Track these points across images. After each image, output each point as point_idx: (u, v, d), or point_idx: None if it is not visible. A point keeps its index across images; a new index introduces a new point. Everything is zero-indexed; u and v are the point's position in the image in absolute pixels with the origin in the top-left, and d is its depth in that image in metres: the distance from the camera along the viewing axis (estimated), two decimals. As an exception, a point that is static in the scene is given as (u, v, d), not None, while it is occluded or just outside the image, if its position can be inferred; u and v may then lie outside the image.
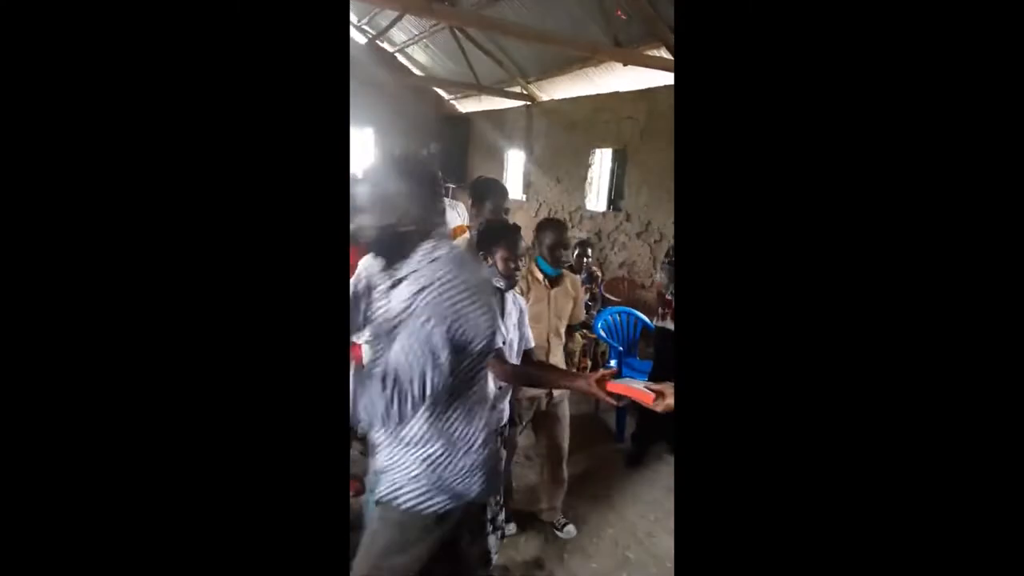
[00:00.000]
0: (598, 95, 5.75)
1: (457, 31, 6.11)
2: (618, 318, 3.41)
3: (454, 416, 1.06)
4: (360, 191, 1.05)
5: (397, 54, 8.00)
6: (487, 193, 2.20)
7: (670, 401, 1.23)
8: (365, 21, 7.29)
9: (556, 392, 2.05)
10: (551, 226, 2.01)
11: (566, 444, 2.19)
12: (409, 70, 8.24)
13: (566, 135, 6.24)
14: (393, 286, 1.05)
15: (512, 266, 1.57)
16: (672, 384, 1.23)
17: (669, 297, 2.68)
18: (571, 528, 2.25)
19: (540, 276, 2.02)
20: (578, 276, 2.48)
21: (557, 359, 2.08)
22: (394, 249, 1.05)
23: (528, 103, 6.82)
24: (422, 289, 0.98)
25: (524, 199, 7.07)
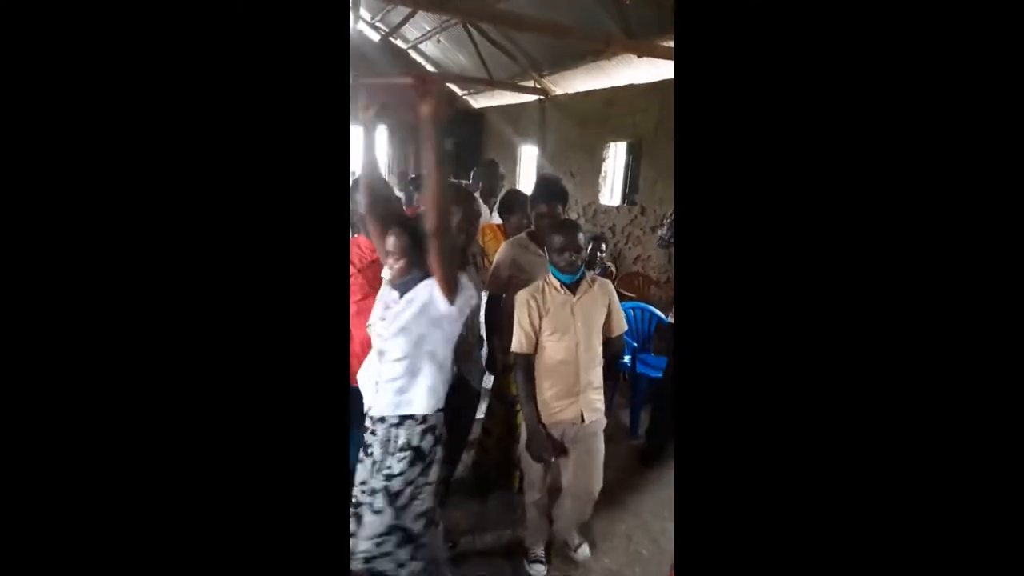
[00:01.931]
0: (612, 88, 5.69)
1: (469, 26, 6.09)
2: (632, 313, 3.38)
3: None
4: None
5: (410, 51, 8.02)
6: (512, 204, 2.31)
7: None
8: (378, 18, 7.31)
9: (588, 418, 1.79)
10: (557, 228, 1.80)
11: (597, 485, 1.85)
12: (422, 66, 8.25)
13: (580, 129, 6.19)
14: None
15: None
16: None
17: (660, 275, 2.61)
18: (585, 549, 2.06)
19: (557, 283, 1.79)
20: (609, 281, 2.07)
21: (592, 378, 1.81)
22: None
23: (541, 97, 6.78)
24: None
25: (538, 194, 7.04)
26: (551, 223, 2.00)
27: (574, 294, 1.80)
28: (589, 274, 1.87)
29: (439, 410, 1.52)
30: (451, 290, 1.43)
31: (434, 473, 1.50)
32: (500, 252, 2.17)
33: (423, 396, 1.48)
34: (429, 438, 1.49)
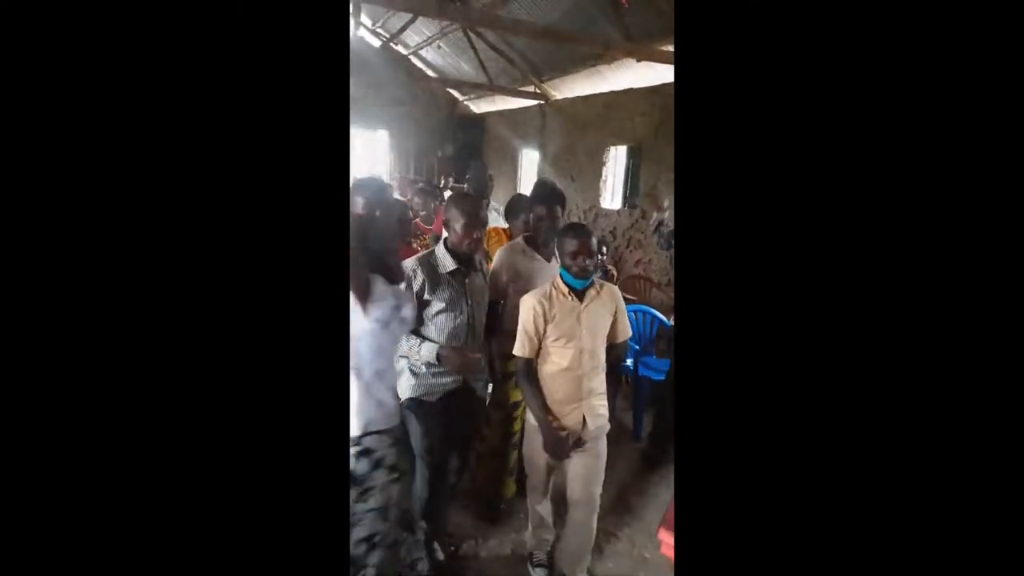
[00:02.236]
0: (612, 92, 5.71)
1: (469, 32, 6.12)
2: (634, 316, 3.38)
3: None
4: None
5: (411, 56, 8.05)
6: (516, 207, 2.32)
7: None
8: (379, 24, 7.35)
9: (591, 423, 1.76)
10: (570, 232, 1.74)
11: (599, 490, 1.84)
12: (423, 72, 8.29)
13: (580, 133, 6.21)
14: None
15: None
16: None
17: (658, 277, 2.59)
18: None
19: (565, 289, 1.74)
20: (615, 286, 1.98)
21: (594, 385, 1.79)
22: None
23: (542, 102, 6.81)
24: None
25: (539, 198, 7.05)
26: (554, 226, 1.99)
27: (581, 301, 1.76)
28: (597, 280, 1.84)
29: (377, 432, 1.39)
30: (361, 298, 1.33)
31: (376, 500, 1.37)
32: (496, 258, 2.14)
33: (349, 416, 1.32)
34: (364, 462, 1.36)
